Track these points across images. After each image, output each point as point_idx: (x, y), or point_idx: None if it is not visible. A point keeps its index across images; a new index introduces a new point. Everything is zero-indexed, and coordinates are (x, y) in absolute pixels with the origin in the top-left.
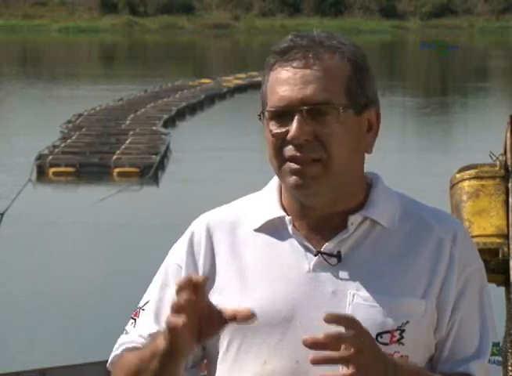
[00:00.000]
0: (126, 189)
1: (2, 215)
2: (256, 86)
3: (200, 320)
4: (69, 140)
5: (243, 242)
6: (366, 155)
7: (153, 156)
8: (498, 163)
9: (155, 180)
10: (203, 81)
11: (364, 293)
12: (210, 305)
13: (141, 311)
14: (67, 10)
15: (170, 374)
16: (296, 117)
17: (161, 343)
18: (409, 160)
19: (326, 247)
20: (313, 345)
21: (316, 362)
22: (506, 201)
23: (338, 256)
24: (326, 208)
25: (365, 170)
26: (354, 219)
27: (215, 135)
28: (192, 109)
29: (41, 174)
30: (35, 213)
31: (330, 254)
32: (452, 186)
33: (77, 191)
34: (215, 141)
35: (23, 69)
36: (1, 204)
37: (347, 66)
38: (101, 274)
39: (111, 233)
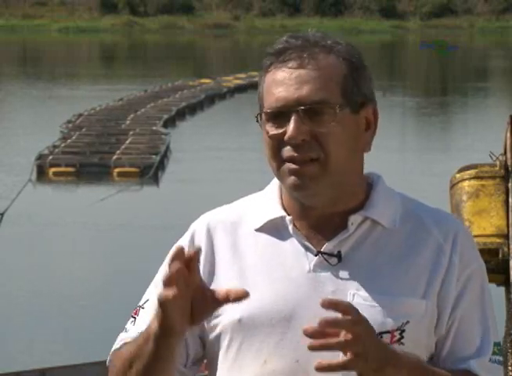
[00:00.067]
0: (126, 189)
1: (2, 215)
2: (256, 86)
3: (193, 301)
4: (69, 140)
5: (243, 242)
6: (366, 155)
7: (153, 156)
8: (498, 163)
9: (155, 180)
10: (203, 81)
11: (364, 293)
12: (203, 286)
13: (141, 309)
14: (67, 10)
15: (164, 356)
16: (292, 118)
17: (154, 324)
18: (409, 160)
19: (327, 247)
20: (313, 333)
21: (314, 348)
22: (506, 201)
23: (338, 256)
24: (326, 208)
25: (365, 170)
26: (354, 219)
27: (215, 135)
28: (192, 109)
29: (41, 174)
30: (35, 213)
31: (331, 254)
32: (452, 186)
33: (77, 191)
34: (215, 141)
35: (23, 69)
36: (1, 204)
37: (342, 65)
38: (101, 274)
39: (111, 233)
